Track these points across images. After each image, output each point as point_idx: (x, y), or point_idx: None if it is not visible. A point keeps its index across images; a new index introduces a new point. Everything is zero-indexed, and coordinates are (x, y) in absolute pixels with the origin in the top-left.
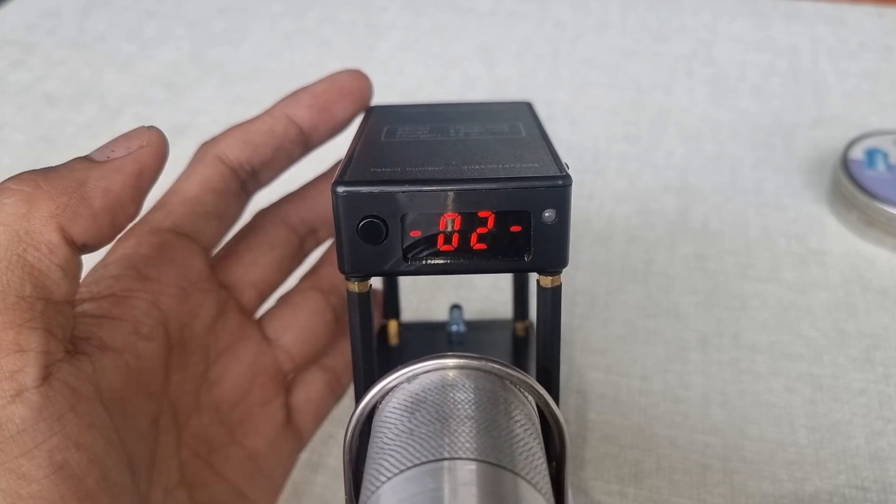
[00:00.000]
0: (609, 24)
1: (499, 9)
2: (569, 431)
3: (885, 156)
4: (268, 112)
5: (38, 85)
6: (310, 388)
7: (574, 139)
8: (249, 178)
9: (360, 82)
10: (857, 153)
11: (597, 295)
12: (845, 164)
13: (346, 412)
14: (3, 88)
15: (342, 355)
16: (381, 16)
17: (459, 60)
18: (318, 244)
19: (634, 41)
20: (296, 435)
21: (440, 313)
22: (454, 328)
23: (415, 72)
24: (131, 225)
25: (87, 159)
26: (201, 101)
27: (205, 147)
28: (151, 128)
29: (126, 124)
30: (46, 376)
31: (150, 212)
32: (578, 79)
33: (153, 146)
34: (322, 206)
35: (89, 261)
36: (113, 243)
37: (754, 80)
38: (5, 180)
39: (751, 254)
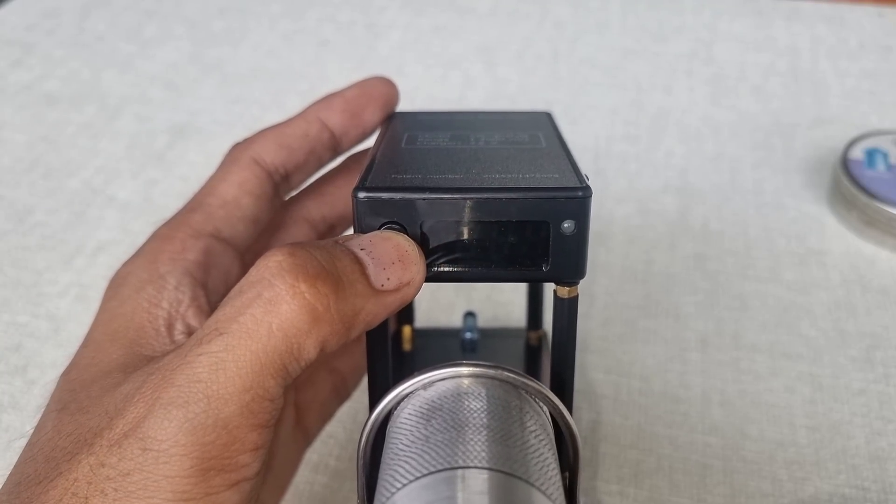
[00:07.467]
0: (609, 24)
1: (499, 9)
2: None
3: (885, 156)
4: (301, 115)
5: (38, 85)
6: (318, 389)
7: (574, 139)
8: (282, 182)
9: (388, 88)
10: (857, 153)
11: (596, 295)
12: (845, 164)
13: (346, 412)
14: (3, 88)
15: (350, 358)
16: (380, 16)
17: (459, 60)
18: None
19: (634, 41)
20: (304, 435)
21: (440, 311)
22: (467, 335)
23: (414, 72)
24: (170, 221)
25: (365, 274)
26: (201, 101)
27: (239, 148)
28: (420, 258)
29: (126, 124)
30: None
31: (188, 212)
32: (578, 79)
33: (416, 286)
34: (343, 203)
35: (106, 257)
36: (148, 240)
37: (754, 80)
38: (292, 271)
39: (751, 254)
